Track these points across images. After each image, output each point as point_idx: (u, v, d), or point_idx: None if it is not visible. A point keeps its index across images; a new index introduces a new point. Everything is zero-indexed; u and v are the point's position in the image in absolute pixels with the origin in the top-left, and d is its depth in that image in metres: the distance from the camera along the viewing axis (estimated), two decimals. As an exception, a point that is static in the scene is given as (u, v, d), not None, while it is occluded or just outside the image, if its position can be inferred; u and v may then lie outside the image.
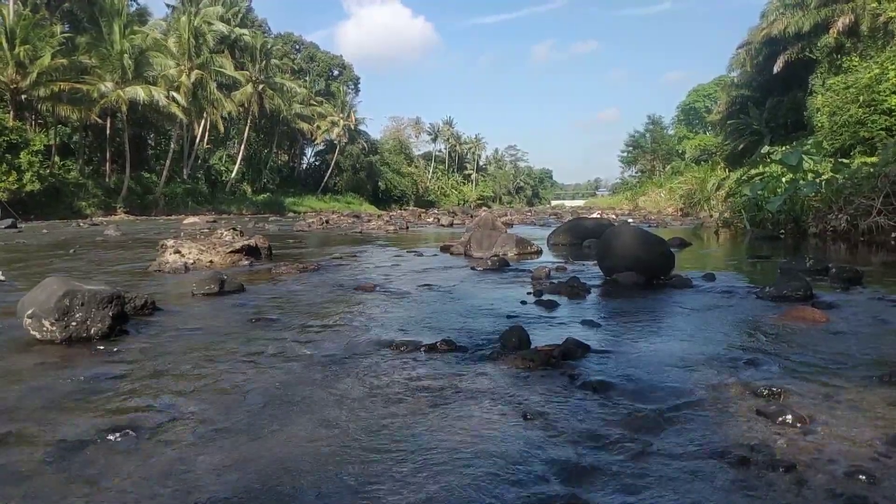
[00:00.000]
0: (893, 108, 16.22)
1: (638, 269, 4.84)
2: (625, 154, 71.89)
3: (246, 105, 42.10)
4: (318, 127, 52.44)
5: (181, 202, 35.39)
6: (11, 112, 26.87)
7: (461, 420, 1.92)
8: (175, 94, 33.43)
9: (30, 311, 2.92)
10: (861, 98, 17.16)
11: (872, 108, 16.66)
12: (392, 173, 63.37)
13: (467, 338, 3.02)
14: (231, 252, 6.62)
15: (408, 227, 16.58)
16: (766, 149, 19.76)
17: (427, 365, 2.56)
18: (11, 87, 26.80)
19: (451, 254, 7.83)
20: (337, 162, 55.05)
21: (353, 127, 56.65)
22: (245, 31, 44.62)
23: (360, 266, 6.83)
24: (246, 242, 6.95)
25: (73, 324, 2.95)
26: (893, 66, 16.99)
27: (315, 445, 1.74)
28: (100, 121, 30.98)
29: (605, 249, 5.26)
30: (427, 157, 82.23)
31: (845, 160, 13.32)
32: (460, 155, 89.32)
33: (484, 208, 51.92)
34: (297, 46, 62.45)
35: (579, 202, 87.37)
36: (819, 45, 24.78)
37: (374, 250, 9.26)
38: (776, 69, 27.69)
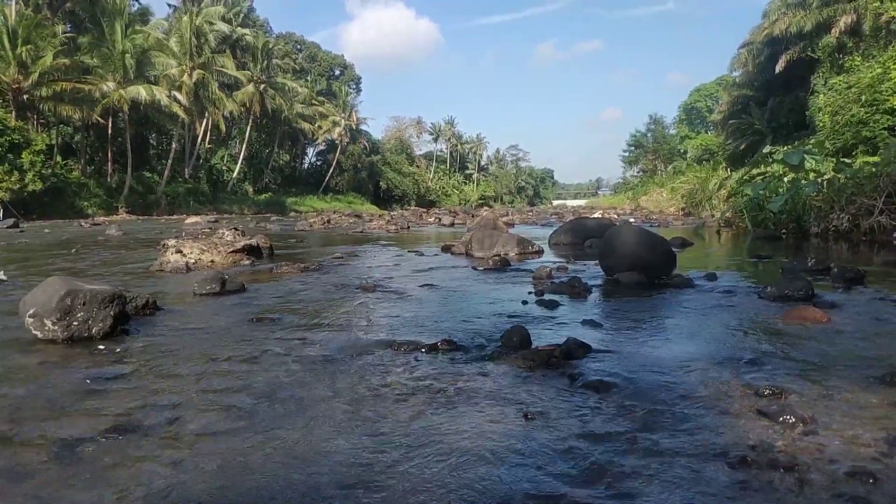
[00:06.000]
0: (895, 107, 16.19)
1: (639, 269, 4.83)
2: (626, 154, 71.85)
3: (247, 105, 42.14)
4: (320, 127, 52.48)
5: (183, 202, 35.46)
6: (13, 112, 26.93)
7: (462, 420, 1.92)
8: (177, 94, 33.51)
9: (31, 311, 2.93)
10: (863, 98, 17.13)
11: (874, 107, 16.63)
12: (393, 173, 63.37)
13: (468, 337, 3.02)
14: (232, 252, 6.62)
15: (409, 227, 16.58)
16: (767, 148, 19.70)
17: (428, 365, 2.56)
18: (14, 86, 26.86)
19: (453, 253, 7.83)
20: (338, 162, 55.09)
21: (354, 127, 56.70)
22: (247, 30, 44.71)
23: (361, 265, 6.83)
24: (247, 242, 6.95)
25: (75, 323, 2.95)
26: (895, 66, 16.96)
27: (315, 446, 1.74)
28: (101, 121, 31.03)
29: (606, 249, 5.25)
30: (428, 156, 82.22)
31: (847, 160, 13.30)
32: (462, 155, 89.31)
33: (485, 208, 51.88)
34: (299, 46, 62.53)
35: (581, 202, 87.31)
36: (821, 44, 24.74)
37: (376, 250, 9.26)
38: (778, 69, 27.65)
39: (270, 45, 46.37)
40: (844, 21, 23.32)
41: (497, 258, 6.54)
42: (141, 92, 30.72)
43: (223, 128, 39.88)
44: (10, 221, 17.91)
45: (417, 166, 73.53)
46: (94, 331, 2.99)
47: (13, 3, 28.62)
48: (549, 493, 1.45)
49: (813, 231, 10.01)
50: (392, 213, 34.08)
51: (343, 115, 55.03)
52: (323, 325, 3.39)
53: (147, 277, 5.65)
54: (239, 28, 43.80)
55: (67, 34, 31.34)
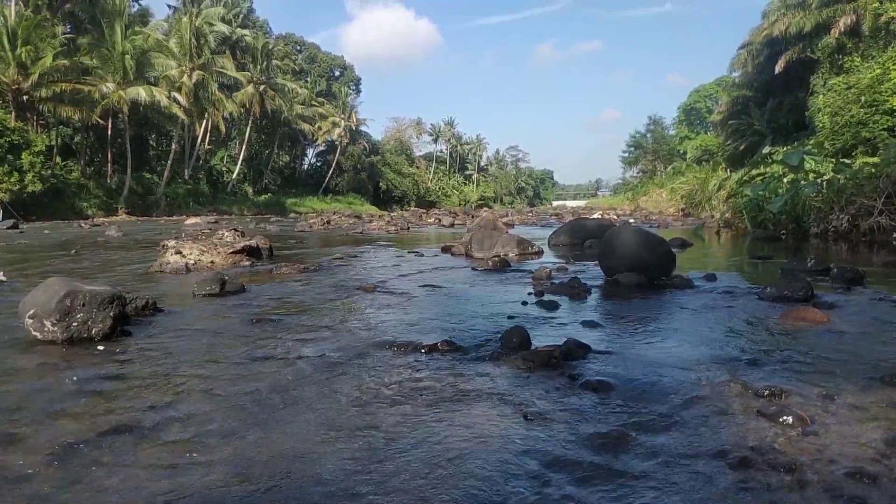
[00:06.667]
0: (895, 108, 16.19)
1: (639, 270, 4.83)
2: (626, 154, 71.91)
3: (247, 106, 42.13)
4: (320, 128, 52.47)
5: (182, 203, 35.45)
6: (13, 113, 26.90)
7: (462, 420, 1.92)
8: (176, 95, 33.49)
9: (31, 312, 2.93)
10: (863, 98, 17.12)
11: (874, 108, 16.62)
12: (393, 174, 63.36)
13: (468, 338, 3.02)
14: (232, 253, 6.62)
15: (409, 228, 16.59)
16: (767, 149, 19.72)
17: (428, 365, 2.56)
18: (13, 87, 26.84)
19: (452, 254, 7.83)
20: (338, 162, 55.08)
21: (354, 128, 56.68)
22: (246, 31, 44.71)
23: (360, 266, 6.83)
24: (247, 243, 6.95)
25: (75, 324, 2.95)
26: (895, 67, 16.96)
27: (315, 445, 1.74)
28: (101, 121, 31.02)
29: (606, 250, 5.26)
30: (428, 157, 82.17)
31: (847, 160, 13.29)
32: (461, 155, 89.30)
33: (485, 209, 51.88)
34: (299, 47, 62.49)
35: (580, 203, 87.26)
36: (820, 45, 24.74)
37: (375, 251, 9.26)
38: (777, 69, 27.65)
39: (270, 46, 46.35)
40: (844, 22, 23.33)
41: (497, 259, 6.54)
42: (141, 93, 30.71)
43: (223, 129, 39.86)
44: (10, 222, 17.90)
45: (417, 167, 73.50)
46: (93, 332, 2.98)
47: (13, 3, 28.61)
48: (548, 495, 1.44)
49: (812, 232, 10.01)
50: (392, 214, 34.11)
51: (343, 115, 55.02)
52: (323, 326, 3.39)
53: (147, 278, 5.65)
54: (239, 29, 43.79)
55: (67, 35, 31.30)
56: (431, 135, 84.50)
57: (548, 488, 1.47)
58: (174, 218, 29.00)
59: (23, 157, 24.57)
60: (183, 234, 10.71)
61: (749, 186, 12.74)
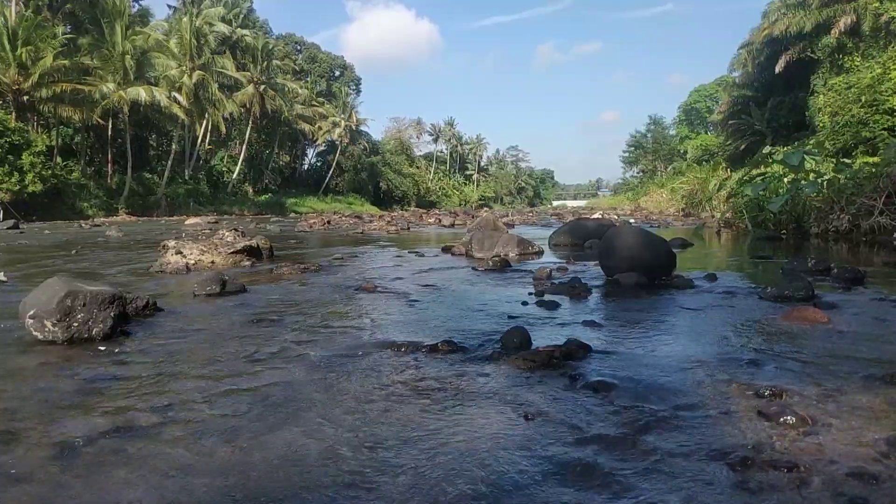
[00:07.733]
0: (895, 107, 16.19)
1: (639, 270, 4.83)
2: (626, 154, 72.07)
3: (247, 106, 42.15)
4: (320, 128, 52.46)
5: (183, 203, 35.45)
6: (13, 113, 26.94)
7: (462, 421, 1.92)
8: (177, 95, 33.52)
9: (31, 312, 2.93)
10: (863, 98, 17.14)
11: (874, 108, 16.64)
12: (393, 174, 63.37)
13: (468, 338, 3.01)
14: (232, 253, 6.62)
15: (409, 228, 16.58)
16: (767, 149, 19.71)
17: (428, 365, 2.56)
18: (13, 88, 26.87)
19: (453, 254, 7.83)
20: (338, 162, 55.09)
21: (354, 128, 56.69)
22: (246, 31, 44.72)
23: (361, 266, 6.83)
24: (247, 243, 6.95)
25: (75, 324, 2.95)
26: (895, 66, 16.97)
27: (315, 446, 1.74)
28: (101, 122, 31.06)
29: (606, 250, 5.26)
30: (428, 157, 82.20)
31: (847, 160, 13.30)
32: (462, 155, 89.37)
33: (485, 209, 51.85)
34: (299, 47, 62.53)
35: (581, 203, 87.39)
36: (821, 45, 24.78)
37: (376, 251, 9.26)
38: (778, 69, 27.68)
39: (270, 46, 46.36)
40: (844, 21, 23.35)
41: (497, 259, 6.54)
42: (141, 93, 30.74)
43: (223, 129, 39.88)
44: (10, 223, 17.90)
45: (417, 167, 73.51)
46: (94, 332, 2.98)
47: (13, 4, 28.63)
48: (549, 496, 1.44)
49: (813, 231, 10.01)
50: (392, 214, 34.09)
51: (343, 116, 55.02)
52: (323, 326, 3.39)
53: (147, 278, 5.64)
54: (239, 29, 43.82)
55: (67, 35, 31.32)
56: (431, 135, 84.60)
57: (549, 489, 1.47)
58: (174, 218, 29.00)
59: (23, 157, 24.59)
60: (183, 234, 10.71)
61: (749, 186, 12.72)
